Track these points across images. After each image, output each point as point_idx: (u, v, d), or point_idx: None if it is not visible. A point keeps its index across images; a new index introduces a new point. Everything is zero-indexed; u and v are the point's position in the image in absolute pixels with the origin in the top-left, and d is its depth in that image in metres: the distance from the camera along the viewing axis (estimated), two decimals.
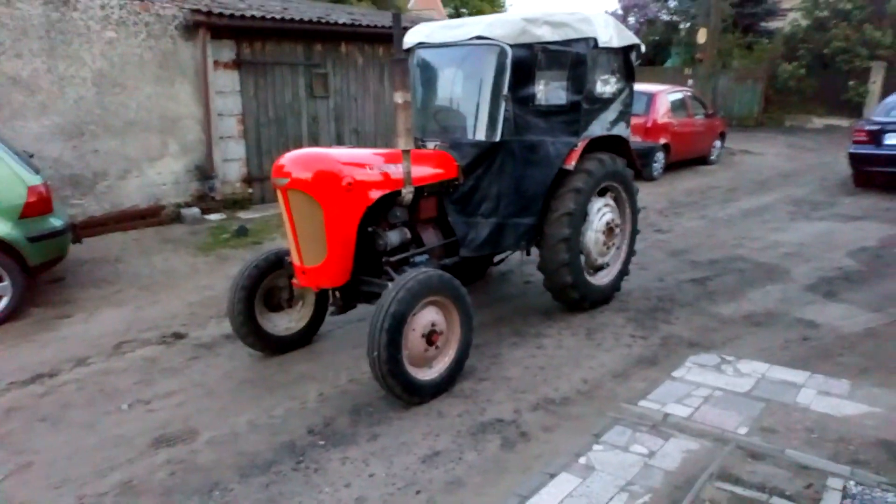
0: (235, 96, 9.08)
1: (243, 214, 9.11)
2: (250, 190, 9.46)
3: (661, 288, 6.17)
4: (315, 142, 10.11)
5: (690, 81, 18.18)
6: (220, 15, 8.47)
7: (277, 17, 9.05)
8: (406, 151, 4.29)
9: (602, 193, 5.49)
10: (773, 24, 24.74)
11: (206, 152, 8.80)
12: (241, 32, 8.94)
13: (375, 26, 10.37)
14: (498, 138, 4.84)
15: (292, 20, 9.21)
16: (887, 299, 5.63)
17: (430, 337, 4.05)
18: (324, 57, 10.02)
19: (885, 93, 19.73)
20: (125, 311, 5.96)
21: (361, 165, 4.29)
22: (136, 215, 8.32)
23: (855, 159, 10.85)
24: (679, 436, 3.56)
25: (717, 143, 14.54)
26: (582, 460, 3.36)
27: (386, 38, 10.68)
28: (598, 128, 5.37)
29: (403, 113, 4.20)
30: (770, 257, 7.13)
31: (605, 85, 5.43)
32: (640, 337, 5.02)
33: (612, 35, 5.27)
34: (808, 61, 21.33)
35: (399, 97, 4.18)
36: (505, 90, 4.80)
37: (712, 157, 14.36)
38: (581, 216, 5.16)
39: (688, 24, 24.74)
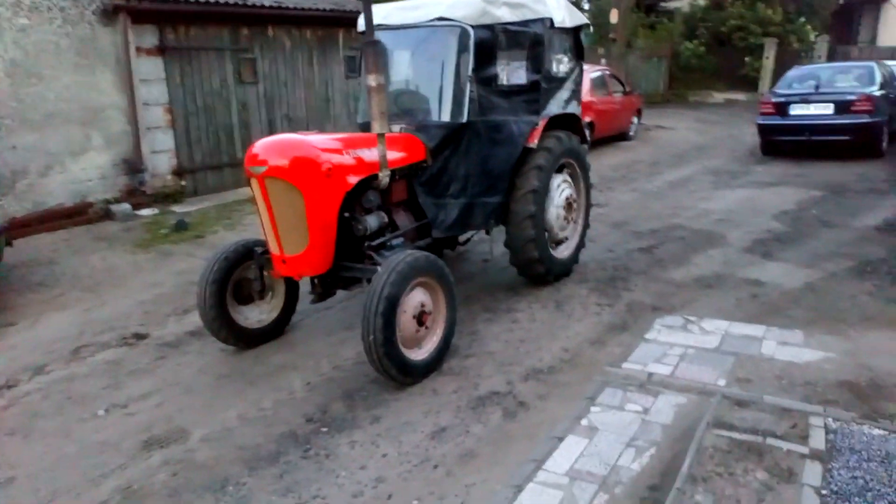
0: (161, 84, 8.65)
1: (177, 208, 8.73)
2: (183, 182, 9.07)
3: (613, 258, 6.46)
4: (246, 129, 9.79)
5: (603, 60, 18.82)
6: None
7: (202, 0, 8.66)
8: (381, 135, 4.28)
9: (559, 170, 5.67)
10: (672, 4, 25.99)
11: (134, 144, 8.35)
12: (164, 17, 8.51)
13: (302, 8, 10.11)
14: (465, 119, 4.90)
15: (217, 3, 8.85)
16: (816, 256, 6.15)
17: (421, 317, 4.10)
18: (251, 41, 9.69)
19: (778, 67, 21.25)
20: (72, 314, 5.63)
21: (338, 150, 4.25)
22: (62, 214, 7.81)
23: (763, 130, 11.67)
24: (666, 392, 3.80)
25: (635, 120, 15.20)
26: (584, 422, 3.53)
27: (314, 21, 10.45)
28: (554, 106, 5.54)
29: (377, 96, 4.18)
30: (704, 224, 7.60)
31: (560, 64, 5.60)
32: (606, 305, 5.26)
33: (565, 15, 5.43)
34: (707, 39, 22.62)
35: (373, 80, 4.15)
36: (469, 71, 4.86)
37: (631, 133, 15.00)
38: (544, 193, 5.32)
39: (596, 3, 25.52)
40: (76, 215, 7.92)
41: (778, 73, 21.22)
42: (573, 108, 5.83)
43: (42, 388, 4.40)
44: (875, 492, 2.73)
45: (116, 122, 8.21)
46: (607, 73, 14.39)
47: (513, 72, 5.17)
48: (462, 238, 5.71)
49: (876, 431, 3.18)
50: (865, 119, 10.61)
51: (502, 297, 5.52)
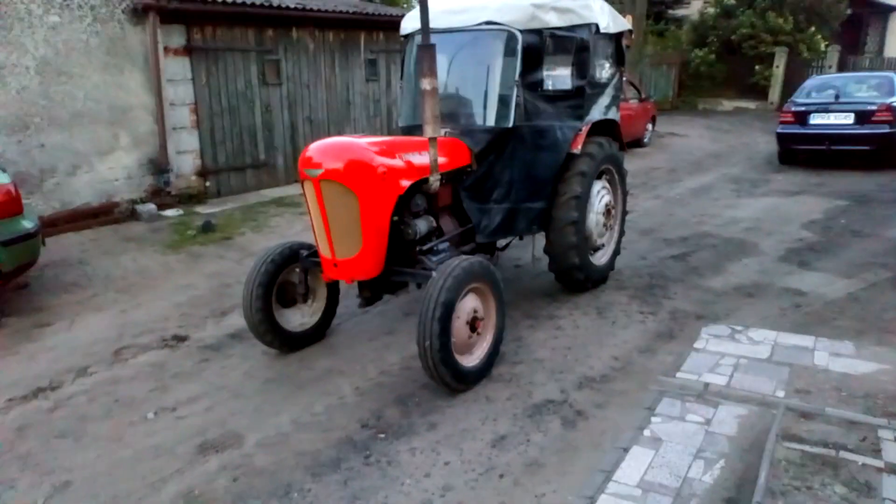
0: (187, 84, 8.63)
1: (201, 209, 8.70)
2: (207, 183, 9.04)
3: (647, 266, 6.43)
4: (269, 131, 9.77)
5: None
6: None
7: (229, 0, 8.64)
8: (433, 139, 4.26)
9: (599, 176, 5.65)
10: (680, 12, 26.03)
11: (160, 144, 8.32)
12: (192, 17, 8.49)
13: (325, 10, 10.11)
14: (511, 124, 4.88)
15: (243, 3, 8.83)
16: (853, 266, 6.13)
17: (474, 323, 4.07)
18: (275, 43, 9.67)
19: (788, 76, 21.30)
20: (108, 315, 5.59)
21: (391, 154, 4.22)
22: (89, 214, 7.77)
23: (783, 138, 11.66)
24: (726, 402, 3.77)
25: (650, 127, 15.21)
26: (647, 433, 3.50)
27: (336, 23, 10.44)
28: (597, 112, 5.52)
29: (431, 100, 4.16)
30: (734, 232, 7.58)
31: (602, 70, 5.58)
32: (649, 313, 5.23)
33: (609, 21, 5.42)
34: (717, 47, 22.61)
35: (427, 83, 4.13)
36: (516, 75, 4.83)
37: (645, 140, 15.00)
38: (586, 199, 5.30)
39: None
40: (102, 215, 7.88)
41: (788, 83, 21.34)
42: (613, 114, 5.81)
43: (87, 390, 4.36)
44: None
45: (143, 122, 8.18)
46: (625, 79, 14.37)
47: (558, 77, 5.15)
48: (500, 244, 5.68)
49: None
50: (886, 129, 10.60)
51: (542, 304, 5.49)
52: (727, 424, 3.55)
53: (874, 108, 10.65)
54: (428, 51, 4.10)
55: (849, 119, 10.83)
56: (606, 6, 5.49)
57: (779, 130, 11.72)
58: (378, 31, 11.25)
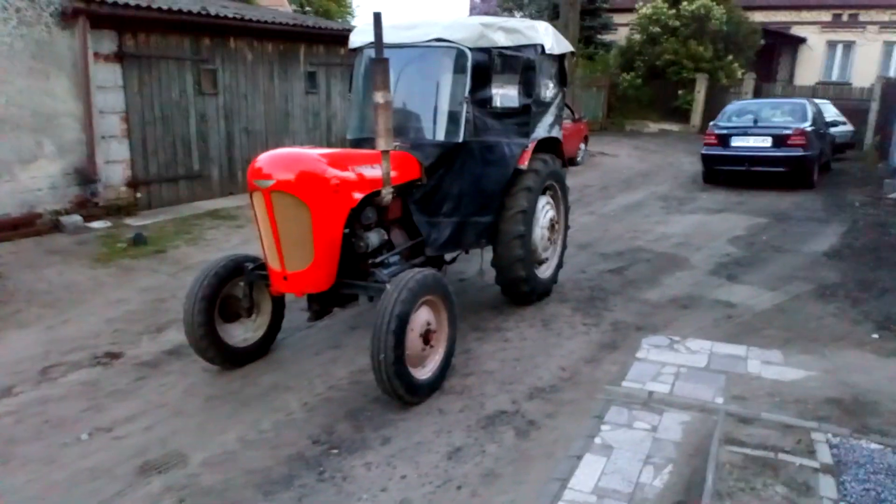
0: (118, 92, 8.30)
1: (131, 221, 8.34)
2: (138, 194, 8.69)
3: (587, 279, 6.61)
4: (204, 142, 9.50)
5: None
6: (101, 2, 7.70)
7: (163, 6, 8.40)
8: (386, 152, 4.27)
9: (543, 192, 5.78)
10: (607, 38, 27.08)
11: (88, 153, 7.95)
12: (124, 23, 8.19)
13: (264, 21, 9.96)
14: (461, 139, 4.94)
15: (179, 11, 8.60)
16: (777, 279, 6.50)
17: (427, 336, 4.08)
18: (212, 52, 9.45)
19: (708, 100, 22.47)
20: (33, 332, 5.27)
21: (343, 166, 4.20)
22: (8, 225, 7.33)
23: (707, 159, 12.27)
24: (669, 410, 3.91)
25: (582, 146, 15.69)
26: (597, 440, 3.58)
27: (275, 34, 10.32)
28: (541, 130, 5.66)
29: (384, 113, 4.17)
30: (665, 247, 7.90)
31: (546, 90, 5.74)
32: (592, 324, 5.38)
33: (553, 42, 5.58)
34: (644, 72, 23.65)
35: (380, 97, 4.14)
36: (466, 92, 4.91)
37: (578, 159, 15.45)
38: (532, 214, 5.41)
39: None
40: (23, 227, 7.44)
41: (708, 107, 22.52)
42: (556, 132, 5.98)
43: (14, 410, 4.09)
44: (889, 502, 2.89)
45: (70, 129, 7.80)
46: None
47: (506, 95, 5.27)
48: (448, 257, 5.72)
49: (874, 446, 3.38)
50: (800, 152, 11.34)
51: (488, 316, 5.55)
52: (672, 430, 3.68)
53: (789, 132, 11.37)
54: (381, 64, 4.11)
55: (766, 142, 11.52)
56: (550, 28, 5.67)
57: (703, 152, 12.33)
58: (318, 43, 11.17)
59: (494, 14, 28.51)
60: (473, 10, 29.11)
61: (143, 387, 4.43)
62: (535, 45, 5.34)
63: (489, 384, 4.35)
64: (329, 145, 11.80)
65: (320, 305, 4.46)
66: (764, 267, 6.99)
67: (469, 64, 4.89)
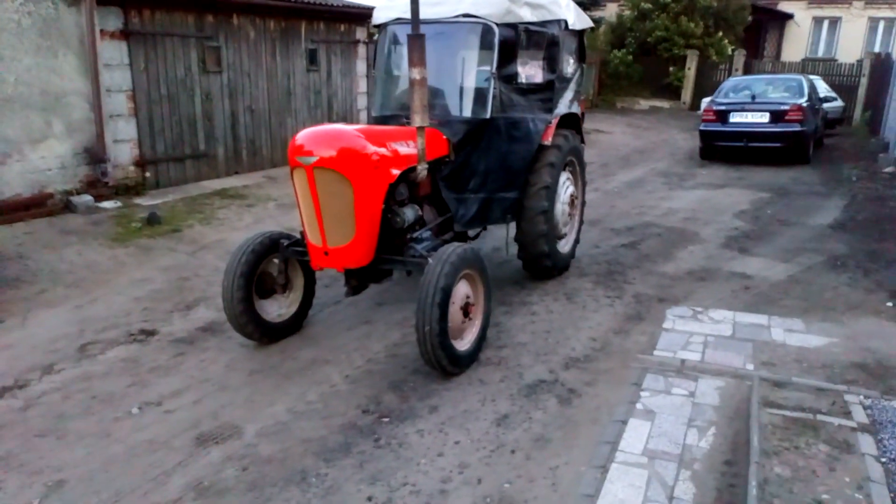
0: (124, 70, 8.20)
1: (141, 201, 8.30)
2: (147, 174, 8.64)
3: (602, 254, 6.74)
4: (209, 121, 9.44)
5: None
6: None
7: None
8: (421, 128, 4.32)
9: (563, 168, 5.86)
10: (596, 14, 27.00)
11: (97, 132, 7.88)
12: None
13: None
14: (488, 115, 5.00)
15: None
16: (788, 252, 6.67)
17: (467, 308, 4.17)
18: (216, 29, 9.35)
19: (699, 77, 22.60)
20: (63, 311, 5.29)
21: (380, 142, 4.24)
22: (20, 205, 7.27)
23: (706, 135, 12.41)
24: (703, 376, 4.06)
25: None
26: (639, 406, 3.72)
27: (278, 11, 10.21)
28: (563, 106, 5.73)
29: (420, 89, 4.22)
30: (674, 222, 8.04)
31: (567, 65, 5.79)
32: (615, 297, 5.50)
33: (575, 18, 5.63)
34: (634, 49, 23.68)
35: (417, 73, 4.19)
36: (493, 68, 4.96)
37: None
38: (555, 189, 5.50)
39: None
40: (34, 207, 7.39)
41: (699, 84, 22.69)
42: (575, 107, 6.05)
43: (59, 387, 4.14)
44: None
45: (78, 108, 7.72)
46: None
47: (531, 70, 5.32)
48: (471, 233, 5.80)
49: None
50: (797, 127, 11.51)
51: (512, 292, 5.65)
52: (709, 395, 3.82)
53: (787, 108, 11.52)
54: (418, 40, 4.15)
55: (764, 118, 11.67)
56: (572, 3, 5.71)
57: (702, 128, 12.46)
58: (319, 20, 11.08)
59: None
60: None
61: (183, 363, 4.50)
62: (558, 21, 5.39)
63: (524, 355, 4.46)
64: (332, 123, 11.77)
65: (358, 281, 4.53)
66: (773, 240, 7.16)
67: (496, 39, 4.94)
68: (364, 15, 11.69)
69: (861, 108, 17.99)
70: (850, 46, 24.81)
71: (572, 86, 5.95)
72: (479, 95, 5.02)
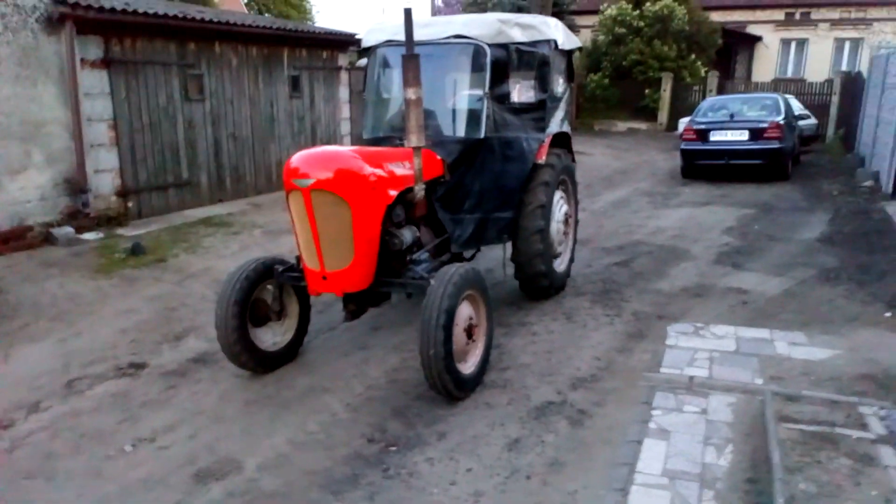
0: (105, 99, 8.07)
1: (123, 231, 8.12)
2: (129, 204, 8.46)
3: (596, 273, 6.69)
4: (192, 149, 9.32)
5: None
6: (88, 7, 7.49)
7: (149, 11, 8.22)
8: (417, 149, 4.26)
9: (557, 186, 5.83)
10: None
11: (78, 162, 7.71)
12: (110, 27, 7.97)
13: (248, 25, 9.84)
14: (482, 135, 4.96)
15: (165, 15, 8.42)
16: (780, 266, 6.68)
17: (471, 330, 4.08)
18: (198, 57, 9.27)
19: (674, 99, 22.99)
20: (47, 345, 5.09)
21: (377, 163, 4.17)
22: (0, 239, 7.06)
23: (687, 154, 12.53)
24: (714, 393, 3.99)
25: None
26: (652, 425, 3.63)
27: (259, 38, 10.18)
28: (554, 125, 5.72)
29: (416, 109, 4.16)
30: (663, 240, 8.04)
31: (558, 85, 5.80)
32: (614, 315, 5.44)
33: (564, 38, 5.65)
34: (610, 72, 24.07)
35: (412, 93, 4.13)
36: (486, 88, 4.93)
37: None
38: (550, 208, 5.46)
39: None
40: (13, 240, 7.18)
41: (674, 105, 23.07)
42: (566, 127, 6.05)
43: (46, 426, 3.95)
44: None
45: (58, 138, 7.56)
46: None
47: (523, 90, 5.31)
48: (467, 255, 5.72)
49: None
50: (776, 144, 11.68)
51: (509, 312, 5.57)
52: (722, 412, 3.75)
53: (765, 125, 11.70)
54: (412, 60, 4.10)
55: (744, 136, 11.83)
56: (560, 24, 5.74)
57: (683, 147, 12.58)
58: (301, 47, 11.07)
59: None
60: (436, 14, 29.21)
61: (175, 396, 4.33)
62: (549, 41, 5.40)
63: (529, 377, 4.37)
64: None
65: (357, 305, 4.41)
66: (763, 255, 7.18)
67: (488, 60, 4.92)
68: (346, 42, 11.72)
69: (834, 126, 18.38)
70: (818, 66, 25.48)
71: (562, 105, 5.96)
72: (473, 115, 4.98)
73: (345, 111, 12.31)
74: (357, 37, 12.28)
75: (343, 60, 12.10)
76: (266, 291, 4.59)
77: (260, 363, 4.53)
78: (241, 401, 4.23)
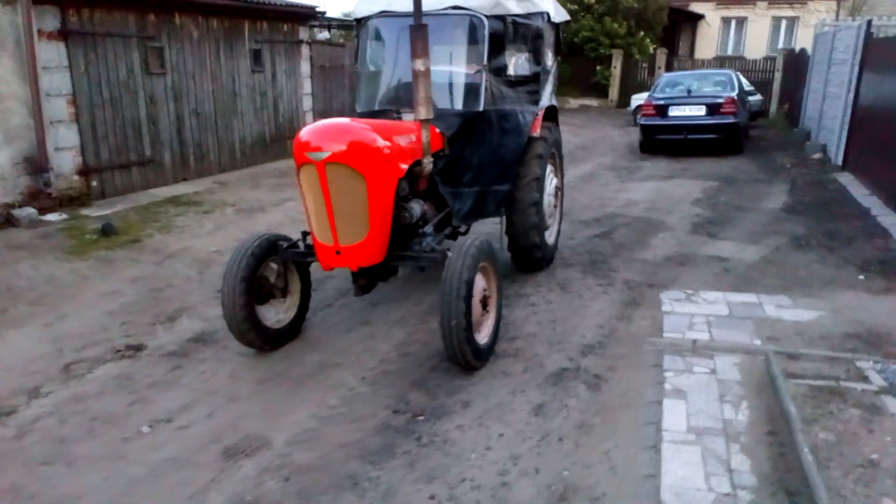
0: (64, 72, 7.67)
1: (88, 212, 7.78)
2: (93, 183, 8.10)
3: (580, 245, 6.83)
4: (154, 125, 8.97)
5: None
6: None
7: None
8: (425, 121, 4.24)
9: (548, 160, 5.90)
10: None
11: (38, 140, 7.32)
12: None
13: None
14: (481, 108, 4.97)
15: None
16: (753, 234, 6.98)
17: (485, 301, 4.12)
18: (158, 29, 8.89)
19: (624, 76, 23.43)
20: (33, 330, 4.88)
21: (386, 136, 4.13)
22: None
23: (646, 129, 12.83)
24: (719, 354, 4.16)
25: None
26: (668, 386, 3.77)
27: (220, 10, 9.83)
28: (545, 98, 5.77)
29: (424, 81, 4.14)
30: (637, 212, 8.26)
31: (548, 58, 5.84)
32: (607, 285, 5.59)
33: (555, 11, 5.69)
34: (563, 49, 24.30)
35: (420, 64, 4.10)
36: (484, 60, 4.93)
37: None
38: (544, 181, 5.53)
39: None
40: None
41: (624, 82, 23.53)
42: (554, 100, 6.11)
43: (51, 411, 3.81)
44: None
45: (17, 114, 7.15)
46: None
47: (518, 62, 5.33)
48: (462, 228, 5.74)
49: None
50: (732, 119, 12.09)
51: (505, 285, 5.52)
52: (730, 371, 3.93)
53: (721, 100, 12.08)
54: (421, 31, 4.07)
55: (701, 111, 12.20)
56: None
57: (642, 122, 12.88)
58: (262, 20, 10.74)
59: None
60: None
61: (183, 376, 4.23)
62: (542, 13, 5.42)
63: (538, 345, 4.46)
64: (276, 126, 11.44)
65: (367, 280, 4.39)
66: (735, 224, 7.47)
67: (486, 32, 4.91)
68: (307, 14, 11.44)
69: (777, 101, 19.12)
70: (756, 44, 26.37)
71: (551, 78, 6.01)
72: (472, 88, 4.98)
73: (306, 86, 12.04)
74: (318, 9, 12.05)
75: (304, 34, 11.81)
76: (269, 269, 4.51)
77: (266, 341, 4.46)
78: (254, 380, 4.17)
